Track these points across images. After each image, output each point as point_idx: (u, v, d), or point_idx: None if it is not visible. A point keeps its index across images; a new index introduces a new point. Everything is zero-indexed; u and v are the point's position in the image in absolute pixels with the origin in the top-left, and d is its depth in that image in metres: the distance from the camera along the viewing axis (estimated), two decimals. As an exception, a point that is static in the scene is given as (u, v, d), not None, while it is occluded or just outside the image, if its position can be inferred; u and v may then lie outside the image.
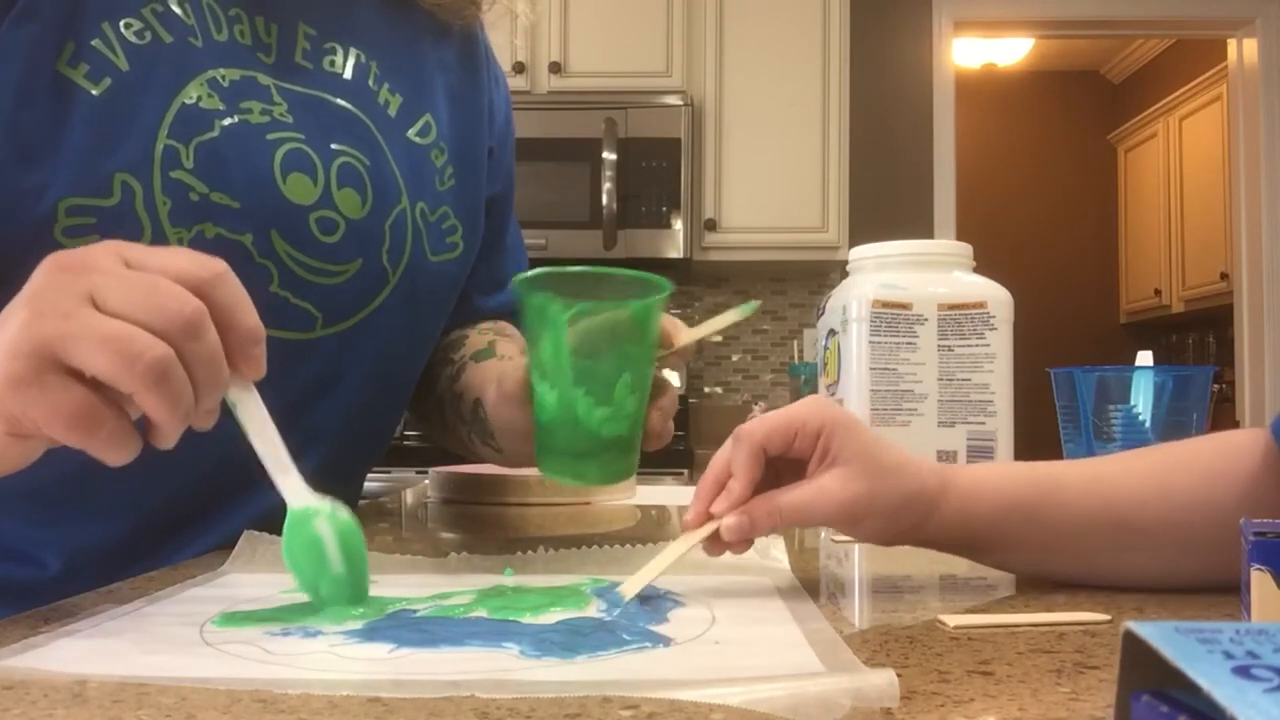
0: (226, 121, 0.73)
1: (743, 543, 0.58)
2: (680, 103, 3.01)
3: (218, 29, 0.76)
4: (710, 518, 0.58)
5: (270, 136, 0.76)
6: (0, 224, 0.66)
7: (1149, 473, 0.62)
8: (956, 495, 0.59)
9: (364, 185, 0.81)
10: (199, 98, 0.72)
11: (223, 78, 0.74)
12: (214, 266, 0.50)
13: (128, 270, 0.49)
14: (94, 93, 0.69)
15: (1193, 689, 0.22)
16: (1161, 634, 0.24)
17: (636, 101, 2.99)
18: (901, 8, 3.70)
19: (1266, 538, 0.44)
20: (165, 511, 0.76)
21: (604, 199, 2.91)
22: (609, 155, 2.91)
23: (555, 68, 3.07)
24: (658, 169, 2.96)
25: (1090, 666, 0.43)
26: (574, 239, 2.94)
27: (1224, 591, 0.53)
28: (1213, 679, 0.22)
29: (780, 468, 0.59)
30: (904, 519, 0.58)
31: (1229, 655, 0.23)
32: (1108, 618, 0.52)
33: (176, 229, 0.71)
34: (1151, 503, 0.60)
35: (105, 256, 0.49)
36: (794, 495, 0.57)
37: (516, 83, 3.04)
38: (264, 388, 0.78)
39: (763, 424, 0.58)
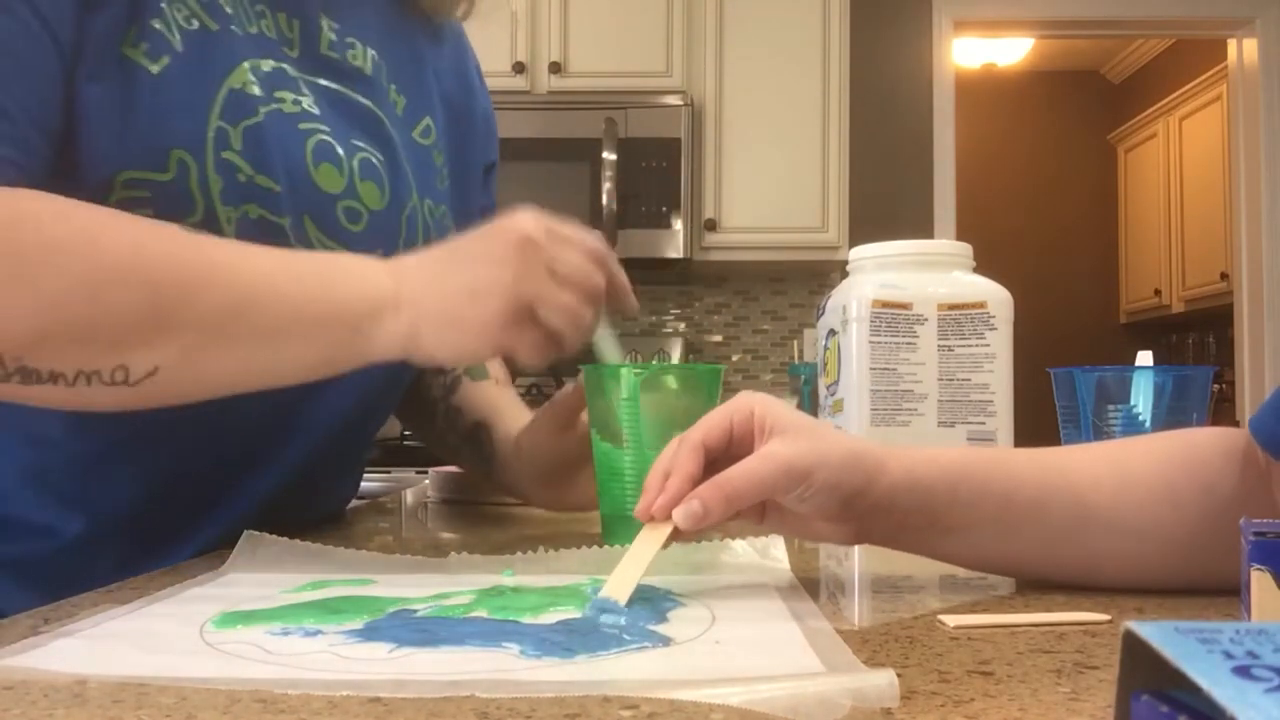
0: (267, 108, 0.75)
1: (699, 529, 0.58)
2: (680, 103, 3.01)
3: (249, 21, 0.78)
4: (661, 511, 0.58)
5: (302, 126, 0.77)
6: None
7: (1106, 457, 0.61)
8: (904, 458, 0.58)
9: (382, 180, 0.83)
10: (244, 84, 0.74)
11: (261, 66, 0.76)
12: (603, 248, 0.72)
13: (567, 248, 0.70)
14: (153, 70, 0.70)
15: (1193, 689, 0.22)
16: (1161, 634, 0.24)
17: (636, 101, 2.99)
18: (901, 8, 3.71)
19: (1266, 538, 0.44)
20: (190, 483, 0.78)
21: (604, 199, 2.90)
22: (609, 155, 2.91)
23: (555, 67, 3.06)
24: (657, 169, 2.96)
25: (1090, 666, 0.43)
26: (574, 239, 2.93)
27: (1224, 592, 0.53)
28: (1213, 679, 0.22)
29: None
30: (854, 473, 0.56)
31: (1229, 655, 0.23)
32: (1108, 618, 0.52)
33: (226, 208, 0.72)
34: (1108, 483, 0.59)
35: (542, 233, 0.69)
36: (740, 465, 0.56)
37: (516, 82, 3.05)
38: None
39: (699, 424, 0.59)
